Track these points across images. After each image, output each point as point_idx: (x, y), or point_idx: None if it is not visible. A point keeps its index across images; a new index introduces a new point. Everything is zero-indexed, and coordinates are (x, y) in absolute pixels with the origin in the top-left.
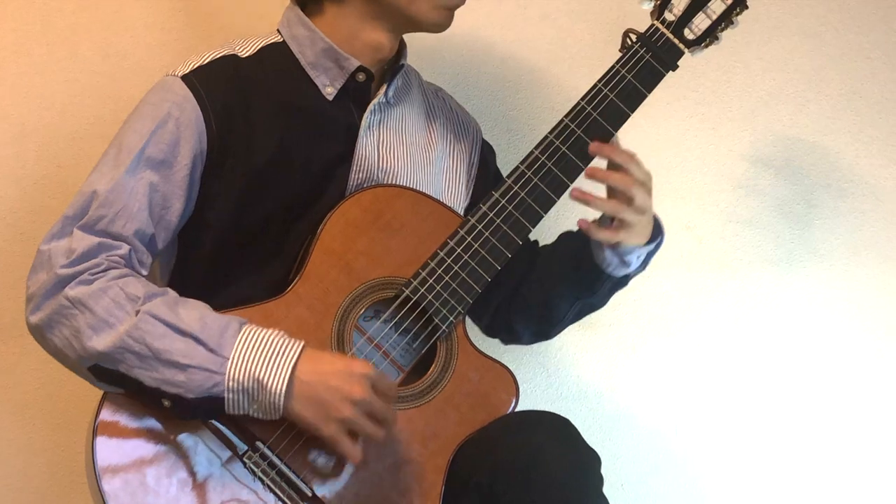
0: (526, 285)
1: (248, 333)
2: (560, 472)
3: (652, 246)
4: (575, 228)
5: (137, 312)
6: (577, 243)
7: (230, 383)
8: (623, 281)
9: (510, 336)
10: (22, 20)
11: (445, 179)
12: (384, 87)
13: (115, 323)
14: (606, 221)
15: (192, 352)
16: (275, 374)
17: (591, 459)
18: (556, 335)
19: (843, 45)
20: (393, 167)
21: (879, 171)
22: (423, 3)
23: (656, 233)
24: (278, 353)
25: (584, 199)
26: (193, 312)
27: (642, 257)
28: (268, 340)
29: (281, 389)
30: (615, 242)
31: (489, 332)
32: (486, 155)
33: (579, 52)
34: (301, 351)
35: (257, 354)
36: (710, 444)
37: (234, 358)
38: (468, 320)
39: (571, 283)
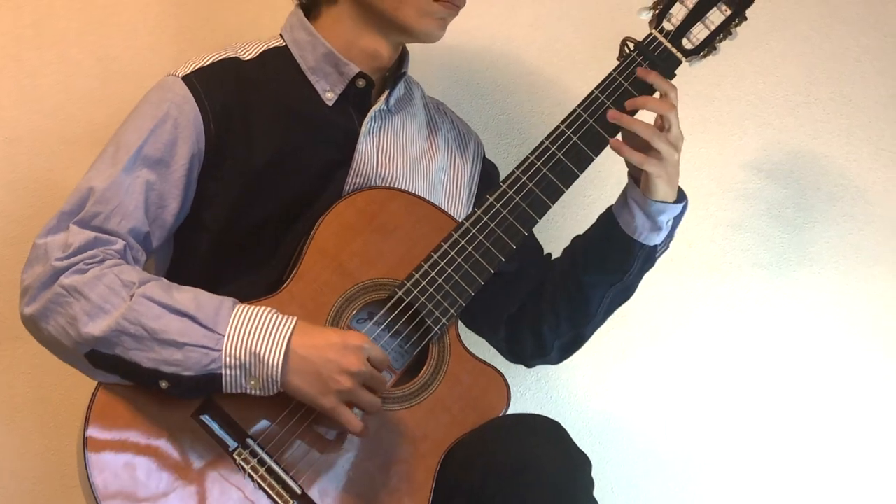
0: (549, 286)
1: (242, 310)
2: (550, 474)
3: (679, 209)
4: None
5: (132, 296)
6: (598, 223)
7: (227, 359)
8: (652, 257)
9: (536, 347)
10: (13, 24)
11: (446, 191)
12: (385, 95)
13: (110, 309)
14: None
15: (189, 330)
16: (271, 347)
17: (581, 462)
18: (588, 337)
19: (833, 49)
20: (391, 174)
21: (869, 174)
22: (409, 9)
23: (681, 196)
24: (273, 326)
25: (619, 119)
26: (187, 293)
27: (670, 222)
28: (261, 316)
29: (278, 362)
30: (649, 172)
31: (510, 346)
32: (488, 170)
33: (568, 58)
34: (295, 325)
35: (253, 329)
36: (699, 448)
37: (229, 334)
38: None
39: (602, 264)
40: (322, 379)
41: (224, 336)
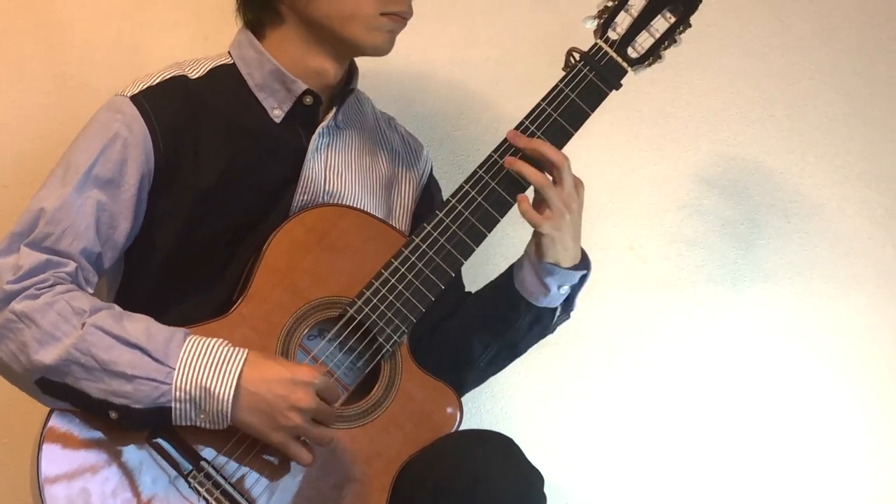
0: (447, 324)
1: (193, 343)
2: (503, 491)
3: (575, 276)
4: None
5: (83, 325)
6: (500, 278)
7: (177, 393)
8: (541, 319)
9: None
10: None
11: (393, 206)
12: (333, 112)
13: (61, 336)
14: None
15: (139, 362)
16: (222, 382)
17: (534, 479)
18: (472, 386)
19: (786, 66)
20: (339, 190)
21: (823, 191)
22: (356, 25)
23: (583, 265)
24: (224, 360)
25: (512, 164)
26: (139, 324)
27: (565, 289)
28: (212, 349)
29: (228, 396)
30: (541, 232)
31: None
32: (431, 187)
33: (524, 74)
34: (246, 358)
35: (203, 363)
36: (654, 464)
37: (180, 367)
38: None
39: (489, 315)
40: (271, 415)
41: (174, 369)
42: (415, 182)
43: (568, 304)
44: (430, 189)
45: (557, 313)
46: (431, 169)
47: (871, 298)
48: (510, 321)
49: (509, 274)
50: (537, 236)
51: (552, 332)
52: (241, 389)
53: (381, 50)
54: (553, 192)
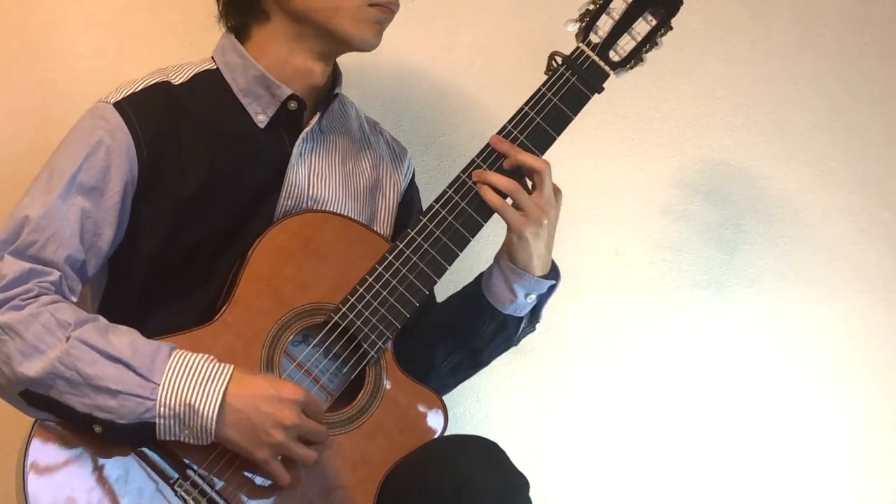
0: (414, 328)
1: (178, 358)
2: (488, 496)
3: (543, 286)
4: None
5: (68, 338)
6: (470, 286)
7: (161, 409)
8: (508, 328)
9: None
10: None
11: (377, 210)
12: (317, 116)
13: (45, 349)
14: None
15: (124, 378)
16: (206, 399)
17: (519, 483)
18: (440, 392)
19: (770, 71)
20: (323, 195)
21: (807, 196)
22: (344, 17)
23: (553, 275)
24: (209, 377)
25: (480, 176)
26: (124, 339)
27: (532, 298)
28: (198, 365)
29: (213, 414)
30: (519, 235)
31: None
32: (412, 192)
33: (509, 78)
34: (231, 375)
35: (188, 379)
36: (638, 468)
37: (164, 383)
38: None
39: (454, 322)
40: (256, 432)
41: (159, 385)
42: (399, 186)
43: (534, 315)
44: (410, 192)
45: (523, 324)
46: (413, 173)
47: (854, 303)
48: (475, 328)
49: (478, 281)
50: (510, 243)
51: (516, 343)
52: (226, 406)
53: (369, 43)
54: (527, 199)
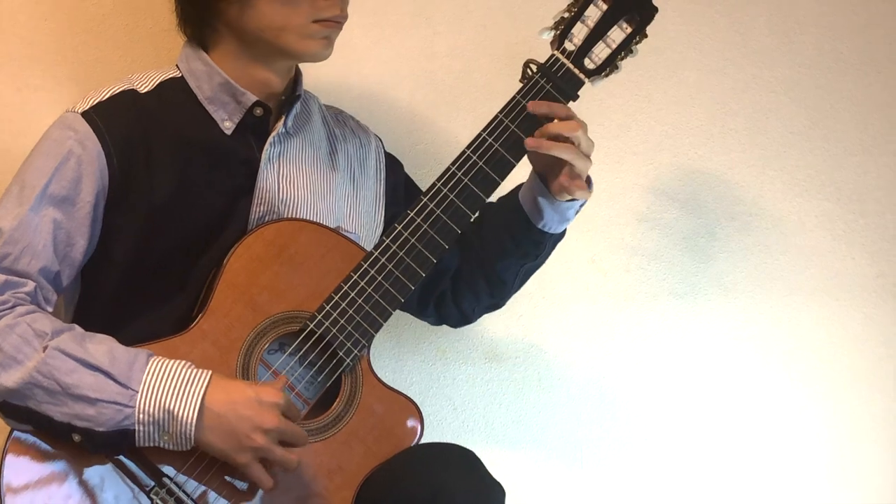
0: (467, 268)
1: (156, 365)
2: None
3: (588, 195)
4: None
5: (45, 348)
6: (507, 215)
7: (140, 416)
8: (562, 234)
9: (461, 318)
10: None
11: (347, 205)
12: (283, 119)
13: (23, 359)
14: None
15: (102, 386)
16: (185, 404)
17: (495, 492)
18: (506, 302)
19: (746, 79)
20: (294, 198)
21: (783, 205)
22: (290, 35)
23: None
24: (187, 382)
25: (537, 145)
26: (101, 346)
27: (576, 209)
28: (176, 371)
29: (192, 419)
30: (559, 183)
31: (438, 319)
32: (391, 166)
33: (486, 86)
34: (209, 380)
35: (166, 385)
36: (616, 476)
37: (143, 390)
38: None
39: (514, 253)
40: (236, 436)
41: (137, 392)
42: (372, 170)
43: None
44: (389, 167)
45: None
46: (384, 150)
47: (831, 311)
48: (537, 252)
49: (521, 215)
50: (557, 185)
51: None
52: (206, 411)
53: (319, 56)
54: (580, 157)
